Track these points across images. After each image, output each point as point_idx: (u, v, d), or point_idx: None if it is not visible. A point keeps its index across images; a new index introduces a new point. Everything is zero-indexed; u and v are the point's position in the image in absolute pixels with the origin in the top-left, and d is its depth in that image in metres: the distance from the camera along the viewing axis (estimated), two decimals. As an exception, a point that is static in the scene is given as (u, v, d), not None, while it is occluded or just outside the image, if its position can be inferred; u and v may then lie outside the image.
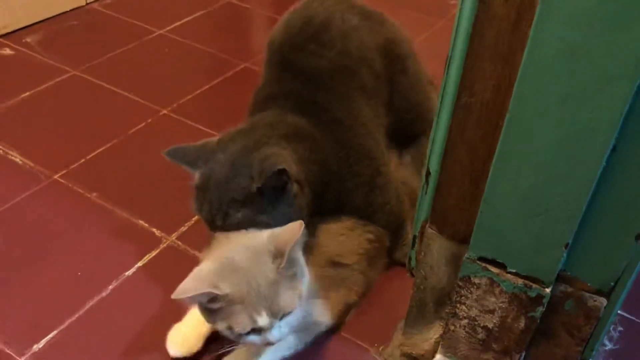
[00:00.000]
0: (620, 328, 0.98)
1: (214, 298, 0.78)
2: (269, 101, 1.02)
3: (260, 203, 0.86)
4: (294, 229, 0.80)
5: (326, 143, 0.97)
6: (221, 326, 0.81)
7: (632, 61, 0.52)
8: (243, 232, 0.86)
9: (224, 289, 0.78)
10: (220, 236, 0.88)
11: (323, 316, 0.94)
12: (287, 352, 0.92)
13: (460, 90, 0.65)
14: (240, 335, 0.81)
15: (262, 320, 0.79)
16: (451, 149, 0.70)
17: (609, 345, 0.95)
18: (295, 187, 0.88)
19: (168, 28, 1.78)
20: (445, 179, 0.72)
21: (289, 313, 0.81)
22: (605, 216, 0.63)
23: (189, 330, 0.91)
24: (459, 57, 0.63)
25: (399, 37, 1.15)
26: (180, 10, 1.88)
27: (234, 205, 0.86)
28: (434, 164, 0.73)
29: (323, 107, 1.00)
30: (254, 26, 1.93)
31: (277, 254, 0.80)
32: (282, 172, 0.84)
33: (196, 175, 0.90)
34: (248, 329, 0.79)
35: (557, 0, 0.53)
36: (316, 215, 0.97)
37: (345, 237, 0.99)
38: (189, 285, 0.79)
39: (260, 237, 0.83)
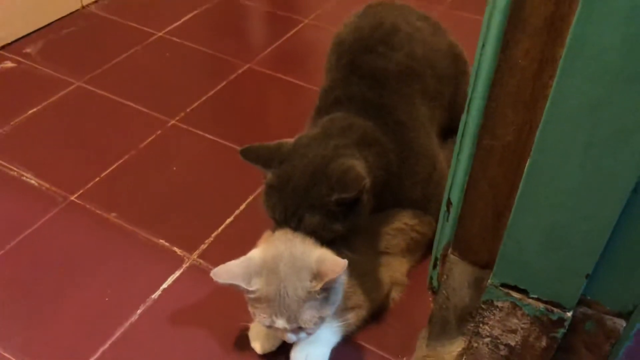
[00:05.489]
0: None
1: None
2: (336, 104, 1.06)
3: (335, 212, 0.90)
4: (339, 265, 0.83)
5: (390, 145, 1.01)
6: (250, 310, 0.88)
7: (653, 112, 0.54)
8: (301, 239, 0.91)
9: (254, 285, 0.85)
10: (283, 232, 0.93)
11: (372, 293, 1.00)
12: (337, 337, 0.96)
13: (481, 133, 0.66)
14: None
15: (280, 323, 0.85)
16: (474, 184, 0.72)
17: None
18: (365, 197, 0.93)
19: (167, 29, 1.76)
20: (467, 211, 0.75)
21: (306, 329, 0.86)
22: (626, 249, 0.65)
23: None
24: (480, 101, 0.65)
25: (456, 41, 1.21)
26: (177, 8, 1.86)
27: (310, 210, 0.90)
28: (455, 196, 0.75)
29: (388, 109, 1.04)
30: (253, 23, 1.92)
31: (316, 278, 0.84)
32: (363, 188, 0.89)
33: (269, 175, 0.94)
34: (267, 324, 0.86)
35: (580, 58, 0.54)
36: (374, 211, 1.01)
37: (391, 236, 1.06)
38: (228, 273, 0.85)
39: (310, 255, 0.87)
